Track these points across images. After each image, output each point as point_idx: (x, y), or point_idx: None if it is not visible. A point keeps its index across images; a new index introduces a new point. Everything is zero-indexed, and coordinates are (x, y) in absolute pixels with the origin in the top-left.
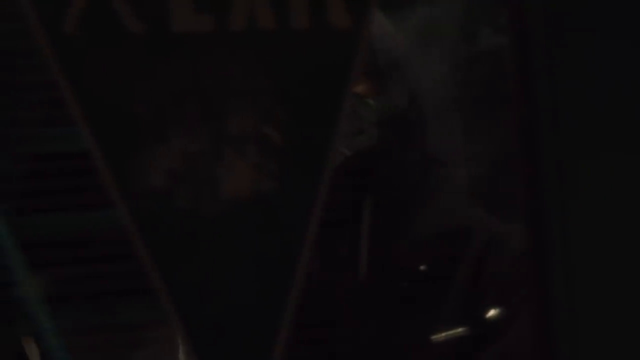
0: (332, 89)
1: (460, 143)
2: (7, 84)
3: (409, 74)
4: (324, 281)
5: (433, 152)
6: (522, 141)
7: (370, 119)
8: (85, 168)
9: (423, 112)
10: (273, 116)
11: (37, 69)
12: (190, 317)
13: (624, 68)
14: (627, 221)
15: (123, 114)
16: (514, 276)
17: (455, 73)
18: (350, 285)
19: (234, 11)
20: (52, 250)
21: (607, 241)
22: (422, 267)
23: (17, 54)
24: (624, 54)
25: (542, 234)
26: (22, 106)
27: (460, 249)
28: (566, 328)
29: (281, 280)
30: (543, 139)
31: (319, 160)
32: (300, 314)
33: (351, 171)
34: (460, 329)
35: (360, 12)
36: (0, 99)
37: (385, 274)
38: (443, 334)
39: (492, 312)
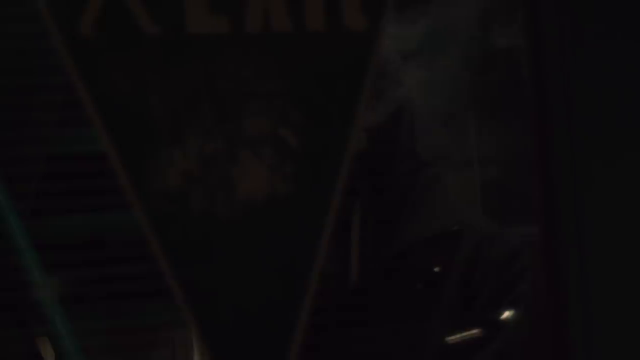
0: (347, 91)
1: (470, 145)
2: (23, 85)
3: (398, 78)
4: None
5: (422, 155)
6: (536, 143)
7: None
8: (101, 170)
9: (411, 116)
10: (288, 118)
11: (52, 70)
12: (205, 319)
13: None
14: None
15: (138, 115)
16: (507, 277)
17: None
18: (340, 289)
19: (250, 13)
20: (67, 251)
21: (621, 242)
22: (413, 271)
23: (32, 55)
24: (638, 54)
25: (556, 237)
26: (37, 107)
27: (450, 252)
28: (581, 331)
29: (297, 283)
30: (557, 140)
31: (334, 162)
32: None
33: None
34: (474, 330)
35: (375, 13)
36: (15, 101)
37: (375, 278)
38: (458, 336)
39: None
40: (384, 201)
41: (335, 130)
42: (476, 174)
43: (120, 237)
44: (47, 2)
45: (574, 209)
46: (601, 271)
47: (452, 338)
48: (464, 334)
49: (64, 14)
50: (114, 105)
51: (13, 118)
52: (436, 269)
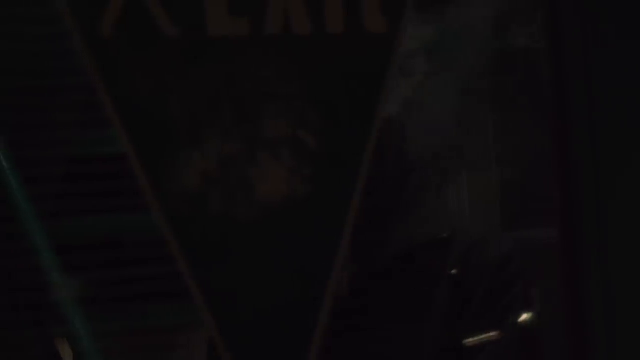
0: (367, 93)
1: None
2: (42, 87)
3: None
4: None
5: (411, 160)
6: (556, 144)
7: None
8: (120, 171)
9: (401, 122)
10: (308, 120)
11: (72, 71)
12: (224, 321)
13: None
14: None
15: (158, 116)
16: (498, 282)
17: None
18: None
19: (269, 15)
20: (86, 252)
21: None
22: (403, 276)
23: (52, 57)
24: None
25: (577, 238)
26: (57, 109)
27: (441, 258)
28: (603, 332)
29: (316, 284)
30: (577, 141)
31: (354, 163)
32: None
33: None
34: (492, 333)
35: (395, 16)
36: (35, 102)
37: (366, 284)
38: (475, 338)
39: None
40: (372, 207)
41: (354, 132)
42: (495, 176)
43: (139, 238)
44: (67, 4)
45: (595, 210)
46: (622, 272)
47: (470, 341)
48: (482, 336)
49: (85, 15)
50: (133, 107)
51: (33, 120)
52: (428, 276)
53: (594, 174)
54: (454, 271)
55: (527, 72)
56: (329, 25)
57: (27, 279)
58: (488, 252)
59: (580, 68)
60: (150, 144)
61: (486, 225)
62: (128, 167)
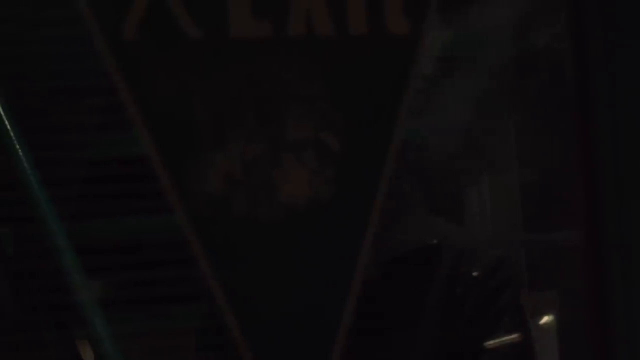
0: (390, 95)
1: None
2: (64, 89)
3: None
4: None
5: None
6: (580, 146)
7: None
8: (142, 173)
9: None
10: (330, 121)
11: (94, 73)
12: (247, 322)
13: None
14: None
15: (181, 118)
16: (487, 290)
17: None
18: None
19: (292, 16)
20: (108, 254)
21: None
22: (393, 284)
23: (74, 59)
24: None
25: (600, 241)
26: (79, 111)
27: (430, 265)
28: (625, 334)
29: (339, 285)
30: (601, 143)
31: (377, 165)
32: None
33: None
34: (514, 336)
35: (418, 17)
36: (57, 105)
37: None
38: (497, 340)
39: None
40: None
41: (377, 133)
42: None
43: (160, 239)
44: (89, 5)
45: (618, 211)
46: None
47: (491, 343)
48: (503, 338)
49: (107, 16)
50: (156, 108)
51: (55, 122)
52: (416, 283)
53: (618, 174)
54: (444, 277)
55: (550, 73)
56: (352, 26)
57: (49, 281)
58: (478, 258)
59: (603, 68)
60: (172, 146)
61: (507, 227)
62: (149, 169)
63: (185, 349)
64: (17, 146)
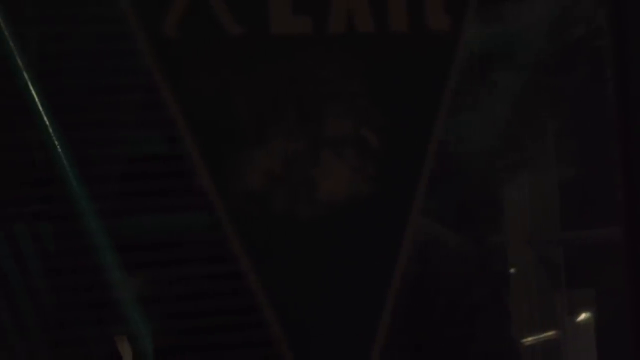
0: (430, 92)
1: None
2: (104, 86)
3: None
4: None
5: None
6: (621, 144)
7: None
8: (180, 170)
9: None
10: (371, 119)
11: (134, 71)
12: (286, 318)
13: None
14: None
15: (221, 116)
16: (466, 288)
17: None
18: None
19: (333, 14)
20: (147, 251)
21: None
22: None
23: (114, 56)
24: None
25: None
26: (119, 108)
27: (420, 266)
28: None
29: (378, 284)
30: None
31: (416, 163)
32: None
33: None
34: (550, 332)
35: (458, 15)
36: (96, 101)
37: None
38: (534, 337)
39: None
40: None
41: (417, 131)
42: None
43: (201, 236)
44: (131, 3)
45: None
46: None
47: (528, 340)
48: (540, 335)
49: (149, 14)
50: (197, 106)
51: (94, 119)
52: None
53: None
54: (422, 277)
55: (589, 69)
56: (392, 23)
57: (88, 278)
58: (457, 258)
59: None
60: (213, 143)
61: (545, 225)
62: (189, 167)
63: (226, 345)
64: (57, 142)
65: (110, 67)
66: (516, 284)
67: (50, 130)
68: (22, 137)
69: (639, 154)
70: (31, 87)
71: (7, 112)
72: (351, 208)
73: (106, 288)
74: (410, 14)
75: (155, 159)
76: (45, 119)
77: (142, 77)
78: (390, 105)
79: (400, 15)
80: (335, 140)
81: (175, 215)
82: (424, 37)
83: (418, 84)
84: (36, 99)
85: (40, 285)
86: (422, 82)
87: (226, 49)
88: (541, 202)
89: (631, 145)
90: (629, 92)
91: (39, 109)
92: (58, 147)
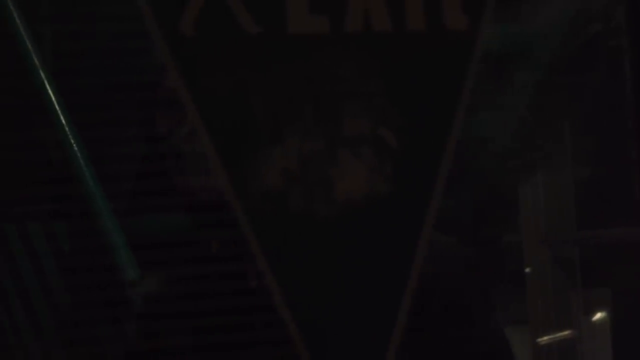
0: (447, 91)
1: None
2: (120, 84)
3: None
4: None
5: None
6: (639, 143)
7: None
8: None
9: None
10: (388, 118)
11: (151, 69)
12: (302, 318)
13: None
14: None
15: (238, 115)
16: (459, 290)
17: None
18: None
19: (350, 13)
20: (162, 250)
21: None
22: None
23: (130, 54)
24: None
25: None
26: (134, 106)
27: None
28: None
29: (395, 283)
30: None
31: (433, 163)
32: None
33: None
34: (566, 332)
35: (476, 13)
36: (112, 100)
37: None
38: (548, 337)
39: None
40: None
41: (434, 130)
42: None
43: (216, 235)
44: (147, 1)
45: None
46: None
47: (543, 340)
48: (556, 335)
49: (165, 12)
50: (214, 105)
51: (110, 117)
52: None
53: None
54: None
55: (607, 69)
56: (409, 22)
57: (104, 277)
58: (451, 261)
59: None
60: (230, 142)
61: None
62: (206, 166)
63: (243, 345)
64: (73, 141)
65: (127, 65)
66: (532, 284)
67: (67, 129)
68: (38, 136)
69: None
70: (47, 86)
71: (24, 111)
72: (368, 208)
73: (122, 287)
74: (428, 13)
75: (171, 157)
76: (61, 117)
77: (158, 75)
78: (407, 105)
79: (418, 14)
80: (353, 139)
81: (190, 214)
82: (441, 36)
83: (435, 84)
84: (52, 98)
85: (54, 285)
86: (440, 81)
87: (243, 48)
88: (557, 202)
89: None
90: None
91: (55, 108)
92: (74, 145)
